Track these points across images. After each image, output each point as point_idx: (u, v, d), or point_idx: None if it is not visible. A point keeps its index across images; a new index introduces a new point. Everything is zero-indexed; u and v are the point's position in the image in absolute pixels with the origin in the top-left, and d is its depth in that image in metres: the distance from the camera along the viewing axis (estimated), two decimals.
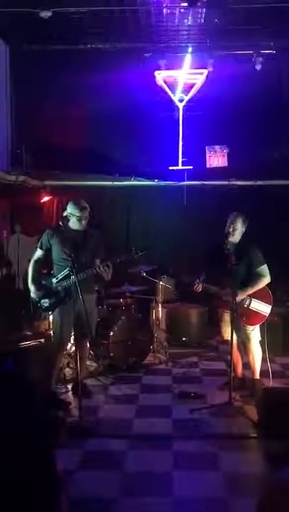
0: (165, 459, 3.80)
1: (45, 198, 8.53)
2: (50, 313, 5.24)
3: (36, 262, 5.03)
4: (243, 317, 4.97)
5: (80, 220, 4.86)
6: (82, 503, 3.14)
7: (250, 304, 5.00)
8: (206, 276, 5.05)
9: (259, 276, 5.00)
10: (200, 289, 5.01)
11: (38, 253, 5.02)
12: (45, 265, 5.07)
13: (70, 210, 4.87)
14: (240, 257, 4.96)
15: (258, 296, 5.02)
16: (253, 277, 5.00)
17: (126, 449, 3.98)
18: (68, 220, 4.89)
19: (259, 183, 8.22)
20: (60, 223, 4.92)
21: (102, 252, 5.03)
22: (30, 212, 8.41)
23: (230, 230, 5.02)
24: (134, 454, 3.90)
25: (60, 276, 4.83)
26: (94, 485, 3.43)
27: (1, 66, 8.02)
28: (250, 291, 4.97)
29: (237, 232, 5.06)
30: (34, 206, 8.48)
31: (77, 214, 4.84)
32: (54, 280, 4.87)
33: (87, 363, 5.78)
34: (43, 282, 4.94)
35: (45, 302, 4.91)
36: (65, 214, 4.96)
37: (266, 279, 5.02)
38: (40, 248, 5.00)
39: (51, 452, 1.45)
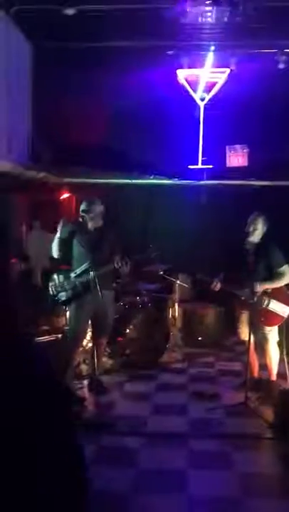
0: (179, 457, 3.80)
1: (65, 195, 8.57)
2: (66, 308, 5.28)
3: (58, 255, 5.05)
4: (261, 318, 4.94)
5: (92, 218, 4.97)
6: (95, 498, 3.15)
7: (268, 304, 4.97)
8: (224, 276, 5.03)
9: (280, 275, 4.96)
10: (218, 288, 5.00)
11: (61, 239, 5.04)
12: (66, 261, 5.10)
13: (83, 209, 5.01)
14: (260, 257, 4.94)
15: (276, 296, 4.98)
16: (273, 277, 4.97)
17: (140, 446, 3.98)
18: (84, 218, 4.99)
19: (279, 183, 8.14)
20: (81, 219, 5.01)
21: (120, 250, 5.06)
22: (49, 208, 8.47)
23: (251, 229, 5.01)
24: (149, 452, 3.90)
25: (78, 271, 4.87)
26: (107, 481, 3.44)
27: (24, 63, 8.07)
28: (268, 286, 4.92)
29: (257, 232, 5.03)
30: (53, 203, 8.54)
31: (89, 213, 4.96)
32: (72, 275, 4.91)
33: (103, 359, 5.80)
34: (62, 276, 4.97)
35: (63, 296, 4.95)
36: (80, 214, 5.08)
37: (287, 278, 4.98)
38: (62, 236, 5.02)
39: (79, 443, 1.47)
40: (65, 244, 5.00)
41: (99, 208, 5.01)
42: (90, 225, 4.99)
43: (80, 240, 4.96)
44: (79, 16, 6.90)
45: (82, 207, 5.01)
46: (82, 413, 4.57)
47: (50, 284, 5.01)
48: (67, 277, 4.95)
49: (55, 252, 5.06)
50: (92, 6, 6.86)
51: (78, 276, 4.88)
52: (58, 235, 5.07)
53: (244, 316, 5.11)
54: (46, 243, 7.74)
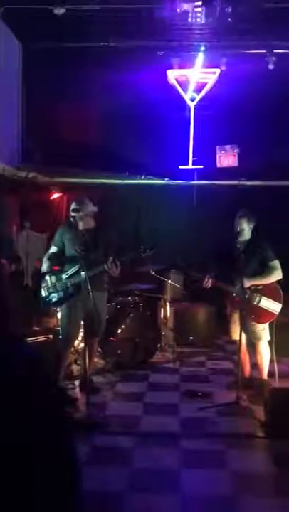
0: (172, 456, 3.80)
1: (55, 195, 8.55)
2: (58, 309, 5.26)
3: (50, 257, 5.08)
4: (252, 315, 4.97)
5: (82, 219, 4.94)
6: (89, 499, 3.14)
7: (259, 301, 5.00)
8: (216, 274, 5.06)
9: (272, 269, 5.00)
10: (209, 285, 5.03)
11: (53, 250, 5.11)
12: (58, 262, 5.11)
13: (72, 211, 4.97)
14: (250, 254, 4.98)
15: (268, 293, 5.01)
16: (264, 272, 5.00)
17: (133, 445, 3.98)
18: (75, 218, 4.98)
19: (269, 183, 8.19)
20: (71, 219, 4.98)
21: (114, 252, 5.04)
22: (39, 209, 8.44)
23: (238, 230, 5.06)
24: (141, 451, 3.90)
25: (70, 272, 4.87)
26: (100, 480, 3.43)
27: (14, 63, 8.05)
28: (258, 281, 4.95)
29: (244, 231, 5.08)
30: (44, 203, 8.51)
31: (79, 214, 4.93)
32: (64, 276, 4.90)
33: (95, 360, 5.79)
34: (54, 277, 4.97)
35: (54, 297, 4.95)
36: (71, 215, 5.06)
37: (278, 273, 5.02)
38: (54, 245, 5.09)
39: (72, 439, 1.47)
40: (60, 251, 5.05)
41: (90, 207, 4.99)
42: (81, 225, 4.96)
43: (71, 240, 4.95)
44: (69, 15, 6.90)
45: (73, 206, 4.98)
46: (74, 413, 4.56)
47: (42, 285, 5.00)
48: (58, 278, 4.94)
49: (45, 263, 5.07)
50: (82, 6, 6.86)
51: (70, 277, 4.87)
52: (52, 242, 5.11)
53: (235, 315, 5.13)
54: (36, 244, 7.76)
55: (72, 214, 4.96)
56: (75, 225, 4.97)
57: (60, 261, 5.06)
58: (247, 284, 4.90)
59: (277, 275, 5.02)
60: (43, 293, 4.99)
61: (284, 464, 3.66)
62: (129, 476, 3.53)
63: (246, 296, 4.88)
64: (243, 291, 4.82)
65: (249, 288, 4.94)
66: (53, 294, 4.94)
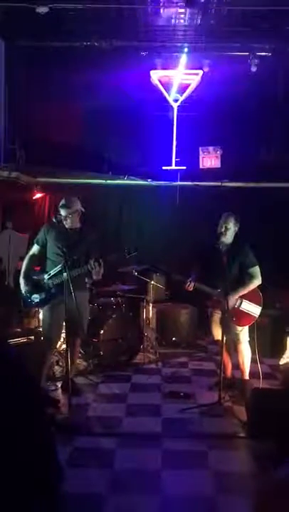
0: (154, 457, 3.81)
1: (38, 195, 8.49)
2: (39, 309, 5.22)
3: (31, 257, 5.04)
4: (232, 317, 5.00)
5: (70, 217, 4.91)
6: (70, 500, 3.13)
7: (240, 304, 5.03)
8: (197, 276, 5.07)
9: (251, 277, 5.03)
10: (191, 288, 5.03)
11: (34, 248, 5.05)
12: (39, 262, 5.06)
13: (61, 210, 4.93)
14: (232, 257, 5.00)
15: (248, 297, 5.05)
16: (245, 278, 5.03)
17: (115, 447, 3.98)
18: (60, 217, 4.94)
19: (251, 185, 8.25)
20: (54, 220, 4.95)
21: (97, 252, 5.00)
22: (22, 209, 8.37)
23: (223, 230, 5.06)
24: (123, 452, 3.90)
25: (52, 273, 4.83)
26: (82, 482, 3.42)
27: None
28: (242, 292, 5.00)
29: (229, 232, 5.08)
30: (26, 203, 8.44)
31: (61, 213, 4.90)
32: (46, 276, 4.87)
33: (77, 361, 5.76)
34: (35, 278, 4.93)
35: (36, 298, 4.90)
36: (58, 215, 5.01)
37: (257, 281, 5.06)
38: (37, 243, 5.03)
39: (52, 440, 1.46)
40: (41, 250, 4.99)
41: (78, 206, 4.95)
42: (68, 224, 4.92)
43: (55, 240, 4.91)
44: (52, 14, 6.86)
45: (62, 203, 4.92)
46: (56, 415, 4.53)
47: (23, 285, 4.94)
48: (40, 278, 4.90)
49: (25, 263, 5.01)
50: (66, 4, 6.82)
51: (52, 277, 4.83)
52: (35, 240, 5.05)
53: (216, 316, 5.16)
54: (18, 244, 7.69)
55: (61, 211, 4.90)
56: (61, 223, 4.93)
57: (41, 261, 5.02)
58: (233, 299, 4.93)
59: (257, 281, 5.06)
60: (23, 292, 4.92)
61: (265, 464, 3.68)
62: (111, 477, 3.52)
63: (229, 303, 4.89)
64: (225, 294, 4.83)
65: (230, 290, 4.95)
66: (34, 295, 4.90)
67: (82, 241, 4.97)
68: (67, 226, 4.94)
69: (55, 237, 4.93)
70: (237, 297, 4.98)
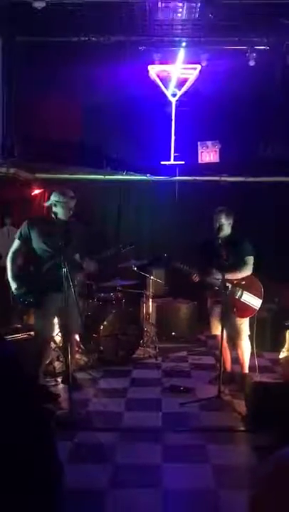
0: (154, 451, 3.82)
1: (36, 191, 8.48)
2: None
3: (14, 253, 4.75)
4: (233, 308, 5.02)
5: (64, 207, 4.66)
6: (72, 495, 3.14)
7: (241, 295, 5.05)
8: (198, 269, 5.09)
9: (244, 264, 5.04)
10: (197, 279, 5.05)
11: (16, 244, 4.77)
12: (23, 258, 4.79)
13: (55, 197, 4.69)
14: (231, 249, 5.00)
15: (249, 288, 5.07)
16: (241, 265, 5.04)
17: (115, 441, 3.99)
18: (52, 210, 4.71)
19: (250, 179, 8.25)
20: (50, 209, 4.75)
21: (84, 248, 4.84)
22: (20, 204, 8.37)
23: (217, 225, 5.08)
24: (124, 447, 3.91)
25: (43, 269, 4.67)
26: (83, 477, 3.44)
27: None
28: (231, 276, 4.95)
29: (224, 226, 5.10)
30: (25, 199, 8.44)
31: (62, 200, 4.65)
32: (36, 273, 4.70)
33: (77, 356, 5.77)
34: (25, 277, 4.72)
35: (30, 298, 4.70)
36: (48, 203, 4.75)
37: (248, 270, 5.06)
38: (19, 239, 4.76)
39: (52, 438, 1.47)
40: (24, 246, 4.75)
41: (70, 197, 4.72)
42: (61, 214, 4.69)
43: (41, 234, 4.69)
44: (49, 10, 6.84)
45: (53, 197, 4.70)
46: (57, 410, 4.55)
47: (14, 285, 4.71)
48: (31, 276, 4.74)
49: (12, 250, 4.76)
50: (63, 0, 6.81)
51: (43, 274, 4.68)
52: (17, 235, 4.80)
53: (216, 310, 5.17)
54: None
55: (54, 197, 4.68)
56: (52, 218, 4.70)
57: (25, 256, 4.77)
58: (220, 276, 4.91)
59: (248, 271, 5.07)
60: (18, 296, 4.71)
61: (265, 457, 3.69)
62: (112, 472, 3.53)
63: (228, 291, 4.92)
64: (225, 285, 4.85)
65: (231, 282, 4.98)
66: (27, 296, 4.68)
67: (70, 235, 4.65)
68: (58, 216, 4.67)
69: (40, 232, 4.69)
70: (227, 277, 4.90)
